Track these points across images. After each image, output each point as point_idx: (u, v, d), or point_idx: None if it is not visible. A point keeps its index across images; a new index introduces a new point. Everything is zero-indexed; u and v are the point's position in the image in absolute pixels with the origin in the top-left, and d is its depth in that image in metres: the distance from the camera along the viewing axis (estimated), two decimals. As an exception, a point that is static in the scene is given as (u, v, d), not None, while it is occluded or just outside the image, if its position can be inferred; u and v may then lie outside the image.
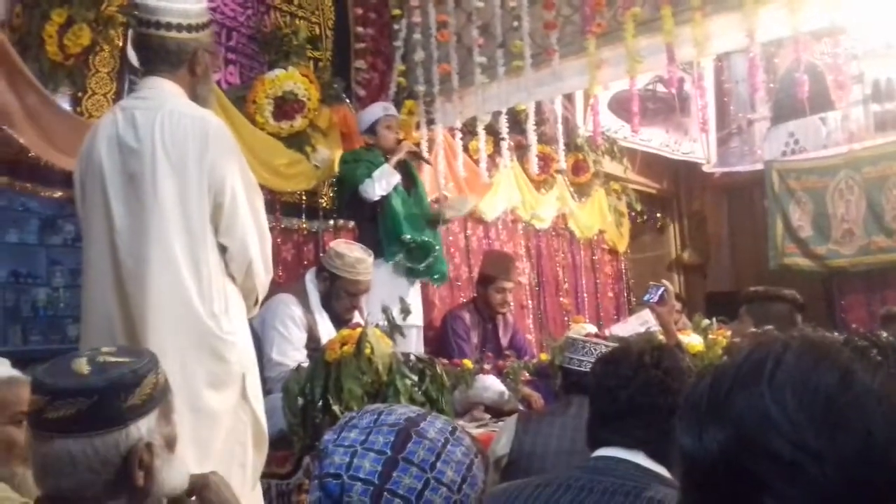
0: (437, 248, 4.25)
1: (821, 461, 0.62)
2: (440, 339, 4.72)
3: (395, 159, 4.13)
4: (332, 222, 4.60)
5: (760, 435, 0.64)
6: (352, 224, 4.54)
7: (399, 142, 4.25)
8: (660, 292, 3.32)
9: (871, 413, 0.63)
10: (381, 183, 4.04)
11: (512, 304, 5.04)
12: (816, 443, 0.62)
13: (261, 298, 2.49)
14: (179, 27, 2.31)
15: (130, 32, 3.04)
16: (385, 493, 0.98)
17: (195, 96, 2.38)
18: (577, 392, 2.62)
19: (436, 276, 4.40)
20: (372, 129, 4.26)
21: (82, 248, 2.42)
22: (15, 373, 1.94)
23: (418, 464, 1.00)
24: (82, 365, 1.31)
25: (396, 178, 4.10)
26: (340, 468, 1.01)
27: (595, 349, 2.67)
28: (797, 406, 0.64)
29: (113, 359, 1.34)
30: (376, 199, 4.05)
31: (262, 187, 2.65)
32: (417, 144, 4.71)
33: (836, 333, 0.66)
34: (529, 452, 2.48)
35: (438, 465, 1.01)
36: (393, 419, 1.06)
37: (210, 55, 2.44)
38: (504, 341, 4.80)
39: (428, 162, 4.59)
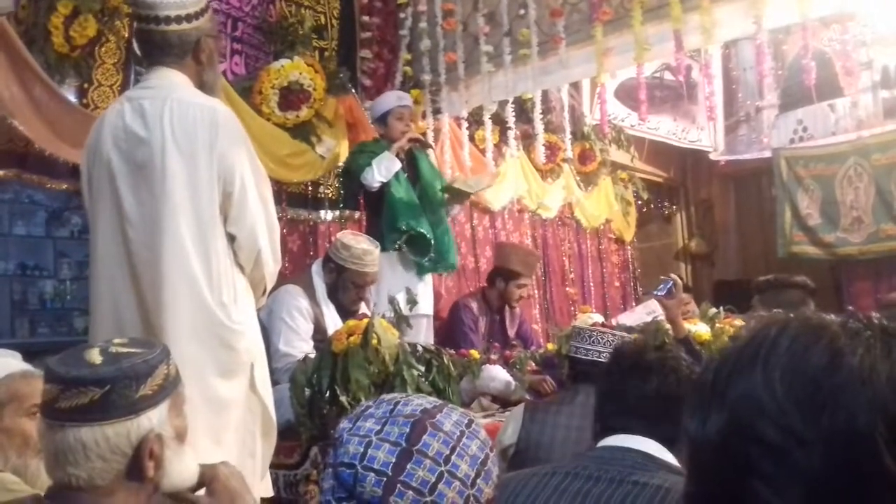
0: (433, 242, 4.15)
1: (806, 445, 0.62)
2: (448, 328, 4.71)
3: (395, 147, 4.07)
4: (338, 213, 4.59)
5: (751, 419, 0.64)
6: (357, 214, 4.54)
7: (403, 133, 4.18)
8: (668, 286, 3.32)
9: (856, 397, 0.62)
10: (381, 169, 3.97)
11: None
12: (801, 427, 0.62)
13: (269, 288, 2.49)
14: (179, 19, 2.29)
15: (134, 30, 3.03)
16: (398, 484, 0.97)
17: (202, 83, 2.37)
18: (583, 381, 2.62)
19: (447, 266, 4.35)
20: (383, 119, 4.17)
21: (90, 239, 2.41)
22: (29, 367, 1.95)
23: (433, 456, 0.99)
24: (95, 355, 1.32)
25: (397, 164, 4.04)
26: (355, 458, 1.00)
27: (601, 338, 2.67)
28: (785, 390, 0.64)
29: (125, 349, 1.35)
30: (376, 185, 3.99)
31: (268, 178, 2.64)
32: (424, 134, 4.69)
33: (833, 316, 0.66)
34: (536, 442, 2.48)
35: (453, 458, 1.00)
36: (409, 410, 1.05)
37: (213, 40, 2.42)
38: (511, 332, 4.79)
39: (430, 146, 4.55)
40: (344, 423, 1.07)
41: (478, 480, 1.01)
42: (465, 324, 4.55)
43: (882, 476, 0.61)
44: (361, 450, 1.01)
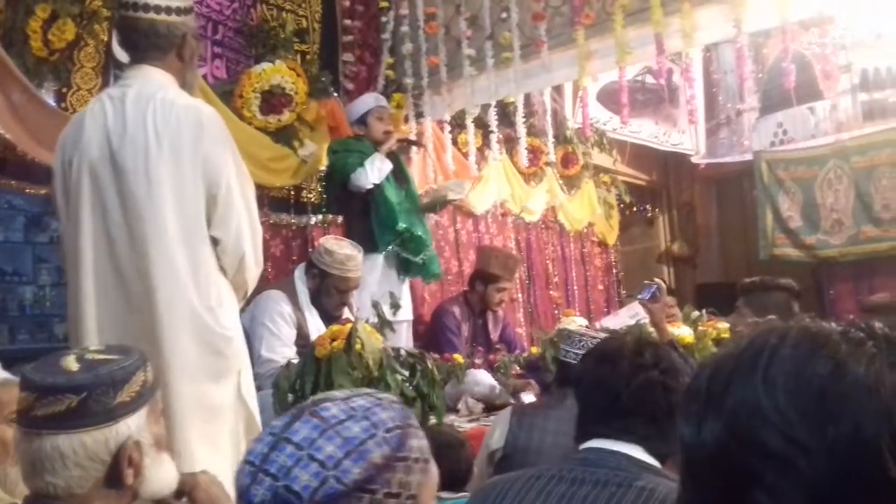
0: (430, 245, 4.21)
1: (810, 455, 0.62)
2: (430, 333, 4.71)
3: (384, 148, 4.07)
4: (320, 217, 4.58)
5: (752, 427, 0.64)
6: (341, 219, 4.52)
7: (387, 133, 4.19)
8: (652, 290, 3.34)
9: (861, 406, 0.62)
10: (374, 170, 3.97)
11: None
12: (806, 436, 0.62)
13: (250, 292, 2.47)
14: (168, 10, 2.27)
15: (116, 19, 2.98)
16: (259, 473, 0.95)
17: (184, 83, 2.34)
18: (572, 385, 2.61)
19: (430, 276, 4.39)
20: (362, 120, 4.19)
21: (65, 241, 2.35)
22: (7, 374, 1.93)
23: (297, 442, 0.96)
24: (71, 362, 1.31)
25: (389, 165, 4.05)
26: (247, 454, 1.00)
27: (591, 342, 2.66)
28: (788, 399, 0.63)
29: (101, 356, 1.34)
30: (370, 186, 3.98)
31: (252, 181, 2.62)
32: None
33: (833, 324, 0.66)
34: (524, 447, 2.46)
35: (319, 441, 0.96)
36: (307, 402, 1.03)
37: (196, 40, 2.40)
38: (494, 336, 4.80)
39: (421, 145, 4.55)
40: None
41: (345, 461, 0.95)
42: (447, 328, 4.55)
43: (886, 485, 0.60)
44: (252, 447, 1.00)
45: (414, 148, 4.61)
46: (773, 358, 0.66)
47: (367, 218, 4.07)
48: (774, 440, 0.63)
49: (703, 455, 0.67)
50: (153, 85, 2.26)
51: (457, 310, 4.66)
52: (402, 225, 4.02)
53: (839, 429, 0.62)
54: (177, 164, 2.18)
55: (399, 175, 4.24)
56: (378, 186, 4.01)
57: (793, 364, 0.65)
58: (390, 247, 4.04)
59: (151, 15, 2.25)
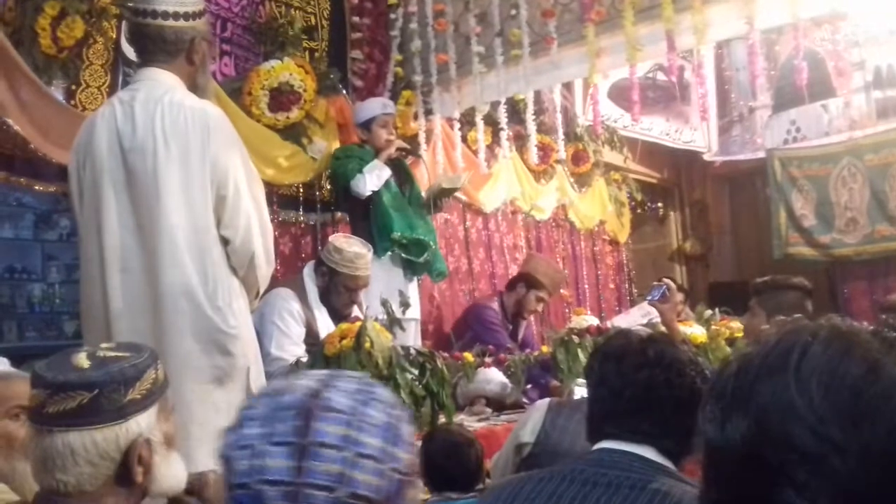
0: (431, 245, 4.19)
1: (844, 454, 0.61)
2: (472, 329, 4.65)
3: (384, 155, 4.08)
4: (329, 215, 4.57)
5: (784, 426, 0.64)
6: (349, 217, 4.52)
7: (388, 142, 4.17)
8: (661, 291, 3.34)
9: None
10: (372, 177, 3.99)
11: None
12: (841, 435, 0.62)
13: (262, 291, 2.48)
14: (176, 15, 2.29)
15: (124, 23, 3.01)
16: (303, 489, 0.84)
17: (194, 86, 2.36)
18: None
19: (436, 274, 4.39)
20: (367, 125, 4.18)
21: (80, 243, 2.40)
22: (10, 369, 1.92)
23: (332, 444, 0.85)
24: (82, 359, 1.31)
25: (387, 172, 4.06)
26: (246, 475, 0.86)
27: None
28: (822, 397, 0.63)
29: (113, 353, 1.35)
30: (368, 193, 4.00)
31: (261, 180, 2.62)
32: (415, 136, 4.68)
33: (864, 324, 0.68)
34: (553, 449, 2.38)
35: (354, 436, 0.86)
36: (292, 399, 0.90)
37: (207, 44, 2.42)
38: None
39: (418, 155, 4.53)
40: (228, 436, 0.91)
41: (393, 449, 0.87)
42: (490, 322, 4.62)
43: None
44: (249, 463, 0.86)
45: (422, 148, 4.60)
46: (805, 356, 0.66)
47: (369, 221, 4.10)
48: (807, 438, 0.62)
49: (730, 453, 0.67)
50: (161, 87, 2.28)
51: (495, 305, 4.73)
52: (396, 233, 4.04)
53: (875, 429, 0.61)
54: (185, 167, 2.21)
55: (402, 177, 4.25)
56: (377, 193, 4.03)
57: (826, 362, 0.65)
58: (388, 252, 4.04)
59: (159, 21, 2.29)
